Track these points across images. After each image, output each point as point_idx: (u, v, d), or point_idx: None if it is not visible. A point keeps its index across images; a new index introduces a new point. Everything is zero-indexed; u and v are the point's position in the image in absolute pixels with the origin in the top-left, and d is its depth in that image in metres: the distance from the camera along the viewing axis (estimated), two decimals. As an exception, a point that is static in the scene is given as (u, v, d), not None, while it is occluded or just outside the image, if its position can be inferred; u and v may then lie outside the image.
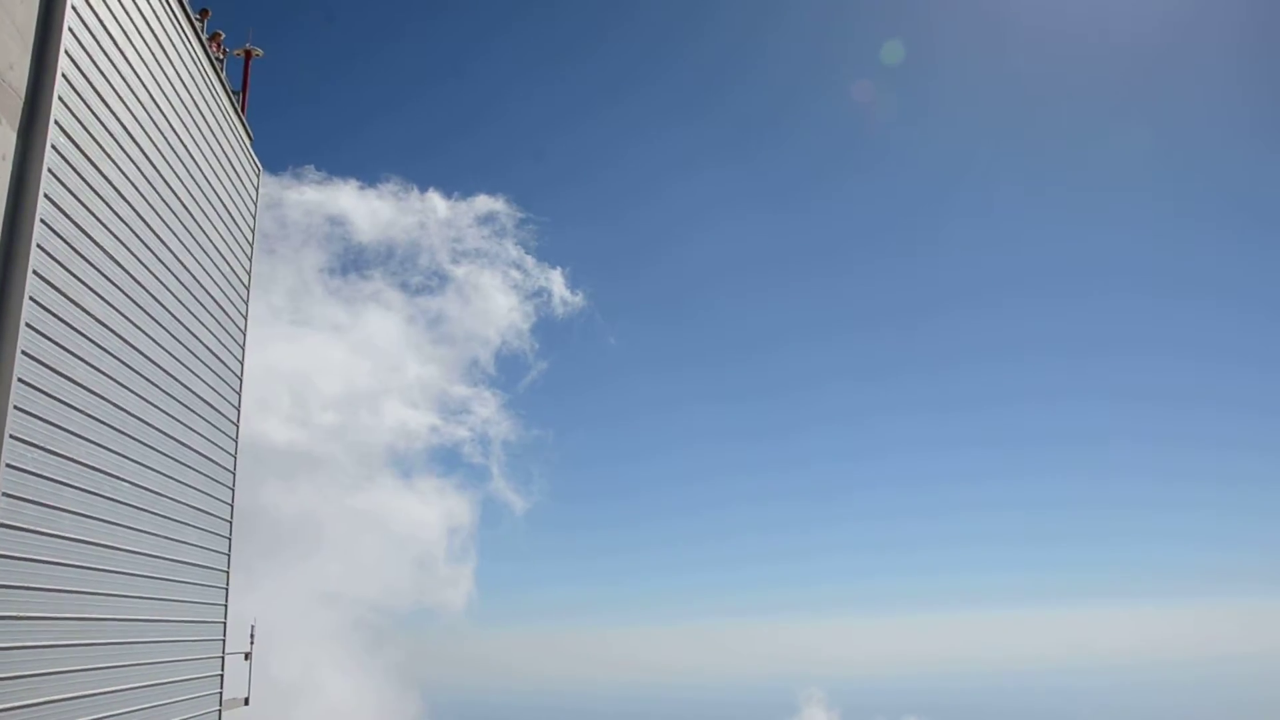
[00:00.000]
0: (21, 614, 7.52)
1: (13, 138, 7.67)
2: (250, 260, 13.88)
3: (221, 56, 13.15)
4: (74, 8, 8.35)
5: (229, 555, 12.63)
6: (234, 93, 13.60)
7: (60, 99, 8.09)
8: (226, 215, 12.74)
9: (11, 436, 7.26)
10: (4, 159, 7.57)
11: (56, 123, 8.01)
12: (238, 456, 13.08)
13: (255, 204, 14.13)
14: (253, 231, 13.96)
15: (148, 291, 10.00)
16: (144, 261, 9.91)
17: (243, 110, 14.26)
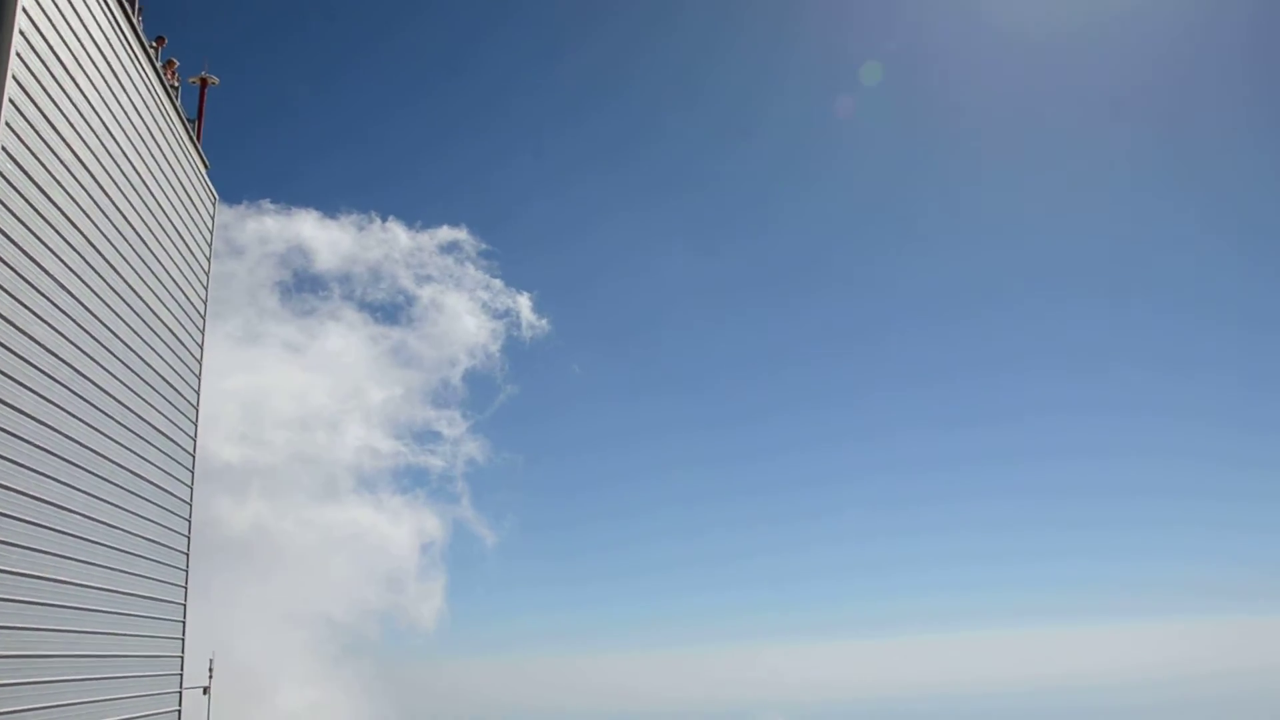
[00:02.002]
0: (-35, 651, 7.30)
1: (-43, 164, 7.54)
2: (206, 288, 13.71)
3: (176, 84, 13.04)
4: (21, 32, 8.25)
5: (185, 588, 12.38)
6: (189, 120, 13.49)
7: (7, 124, 7.97)
8: (181, 243, 12.60)
9: (-45, 468, 7.08)
10: (-52, 185, 7.44)
11: (3, 149, 7.89)
12: (194, 486, 12.86)
13: (211, 232, 13.98)
14: (208, 260, 13.80)
15: (99, 320, 9.84)
16: (95, 290, 9.75)
17: (198, 138, 14.12)
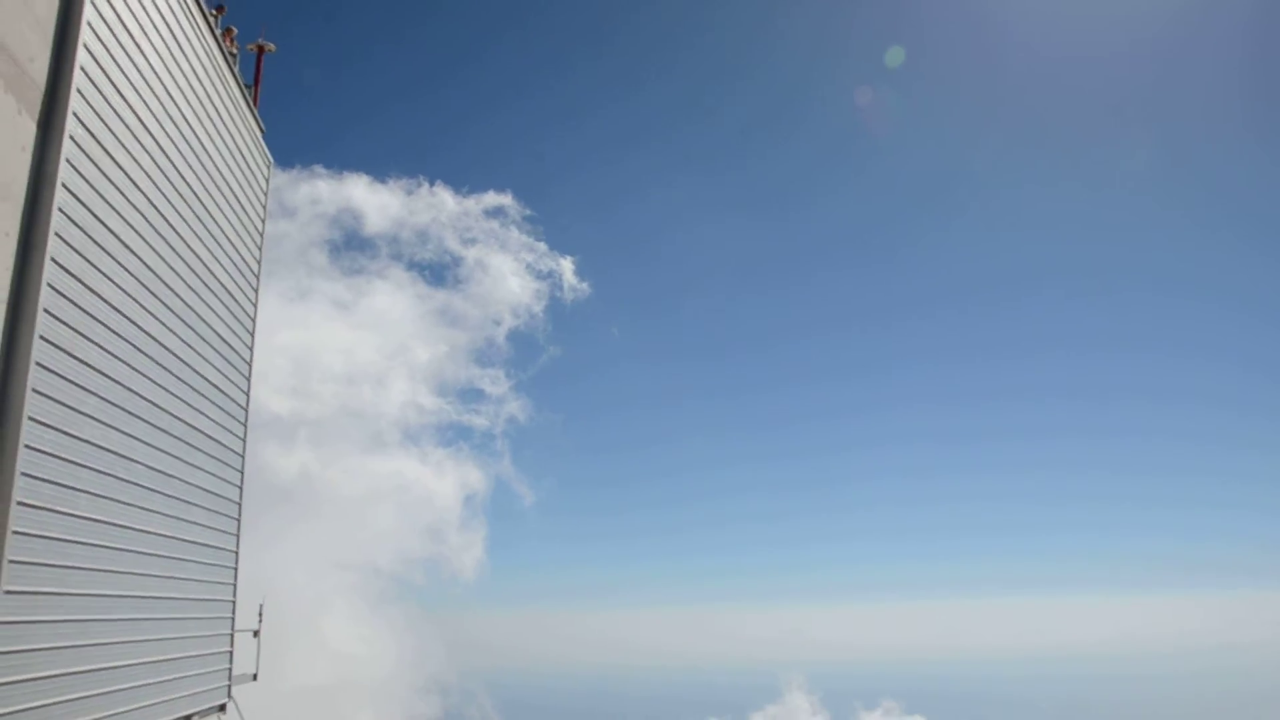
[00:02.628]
0: (38, 589, 7.83)
1: (33, 129, 7.95)
2: (260, 250, 14.17)
3: (235, 51, 13.42)
4: (93, 2, 8.62)
5: (238, 536, 12.95)
6: (246, 86, 13.87)
7: (79, 91, 8.37)
8: (238, 205, 13.03)
9: (30, 418, 7.56)
10: (24, 150, 7.85)
11: (75, 114, 8.29)
12: (246, 438, 13.40)
13: (266, 195, 14.41)
14: (263, 222, 14.24)
15: (160, 279, 10.30)
16: (157, 250, 10.20)
17: (255, 103, 14.53)
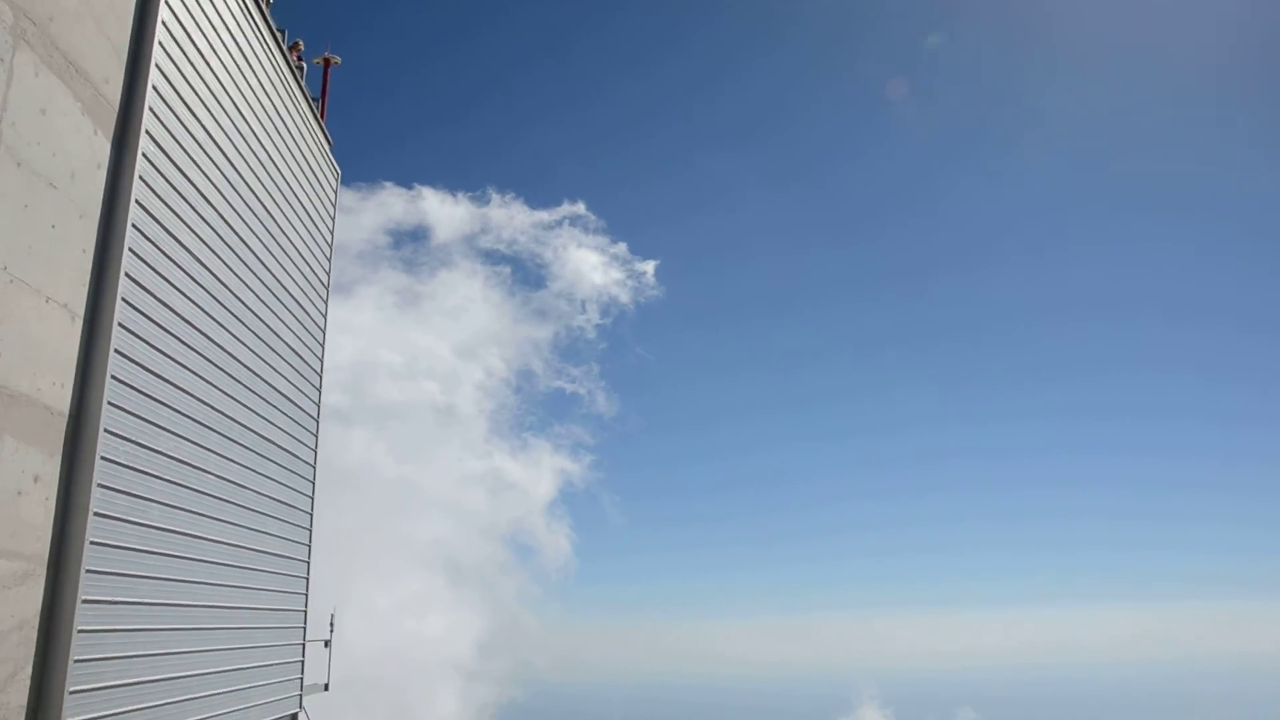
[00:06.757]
0: (113, 598, 7.95)
1: (107, 147, 8.09)
2: (330, 260, 14.34)
3: (301, 65, 13.61)
4: (164, 23, 8.77)
5: (310, 546, 13.09)
6: (313, 99, 14.06)
7: (150, 109, 8.50)
8: (307, 218, 13.19)
9: (106, 430, 7.68)
10: (100, 167, 7.99)
11: (147, 132, 8.43)
12: (318, 450, 13.54)
13: (334, 206, 14.59)
14: (331, 233, 14.41)
15: (232, 292, 10.44)
16: (228, 263, 10.34)
17: (322, 116, 14.72)
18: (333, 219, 14.54)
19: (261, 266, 11.37)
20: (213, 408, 9.93)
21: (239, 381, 10.67)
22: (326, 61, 15.17)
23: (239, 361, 10.65)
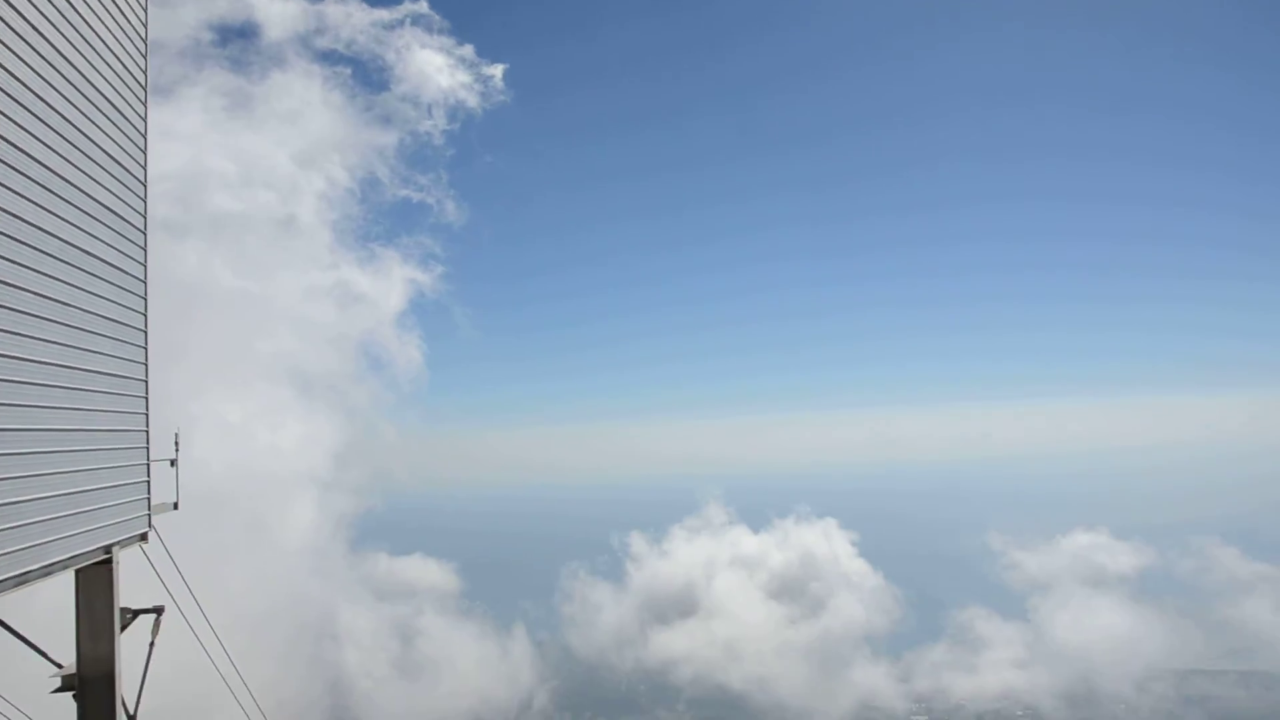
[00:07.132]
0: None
1: None
2: (145, 57, 12.96)
3: None
4: None
5: (145, 364, 12.47)
6: None
7: None
8: (112, 5, 11.77)
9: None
10: None
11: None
12: (147, 265, 12.69)
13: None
14: (145, 26, 12.96)
15: (27, 87, 9.33)
16: (21, 55, 9.18)
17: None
18: (144, 8, 13.04)
19: (61, 59, 10.16)
20: (19, 218, 9.05)
21: (49, 190, 9.72)
22: None
23: (45, 167, 9.67)
